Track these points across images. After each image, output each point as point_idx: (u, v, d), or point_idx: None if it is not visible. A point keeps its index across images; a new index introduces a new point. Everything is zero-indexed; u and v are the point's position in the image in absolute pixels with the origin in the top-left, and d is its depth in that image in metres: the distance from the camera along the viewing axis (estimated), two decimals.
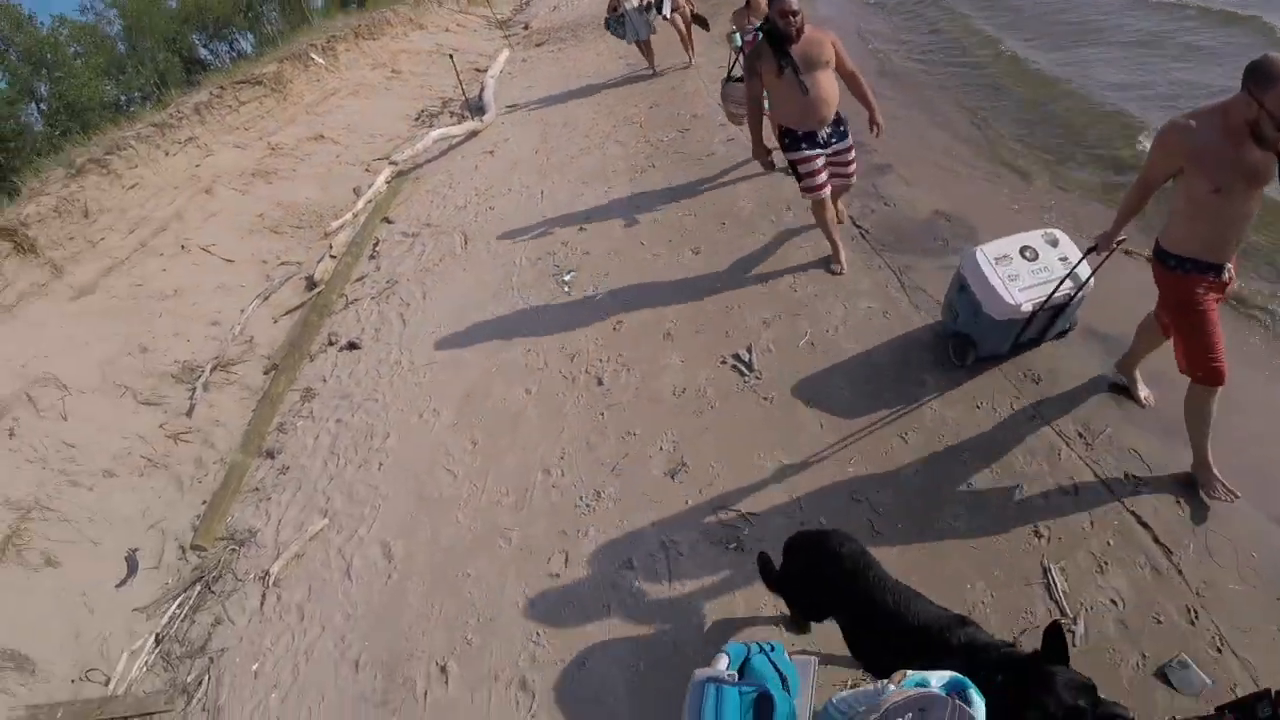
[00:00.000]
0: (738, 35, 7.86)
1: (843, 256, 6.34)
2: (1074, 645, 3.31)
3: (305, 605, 4.92)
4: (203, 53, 23.89)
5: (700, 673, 2.28)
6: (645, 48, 14.01)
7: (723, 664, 2.33)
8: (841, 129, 5.79)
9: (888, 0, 15.26)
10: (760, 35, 5.73)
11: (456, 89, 16.19)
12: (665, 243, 7.65)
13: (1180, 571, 3.56)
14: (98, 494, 6.04)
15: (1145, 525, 3.79)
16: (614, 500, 4.84)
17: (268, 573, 5.21)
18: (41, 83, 17.65)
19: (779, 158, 6.32)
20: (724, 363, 5.72)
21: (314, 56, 16.78)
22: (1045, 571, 3.68)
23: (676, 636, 3.87)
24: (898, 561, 3.76)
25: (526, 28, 25.13)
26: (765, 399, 5.26)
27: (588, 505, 4.87)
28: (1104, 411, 4.47)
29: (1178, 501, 3.87)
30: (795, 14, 5.31)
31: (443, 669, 4.16)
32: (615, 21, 13.80)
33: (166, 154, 11.18)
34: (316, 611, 4.84)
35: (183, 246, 9.56)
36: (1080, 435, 4.35)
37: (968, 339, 4.88)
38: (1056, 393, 4.69)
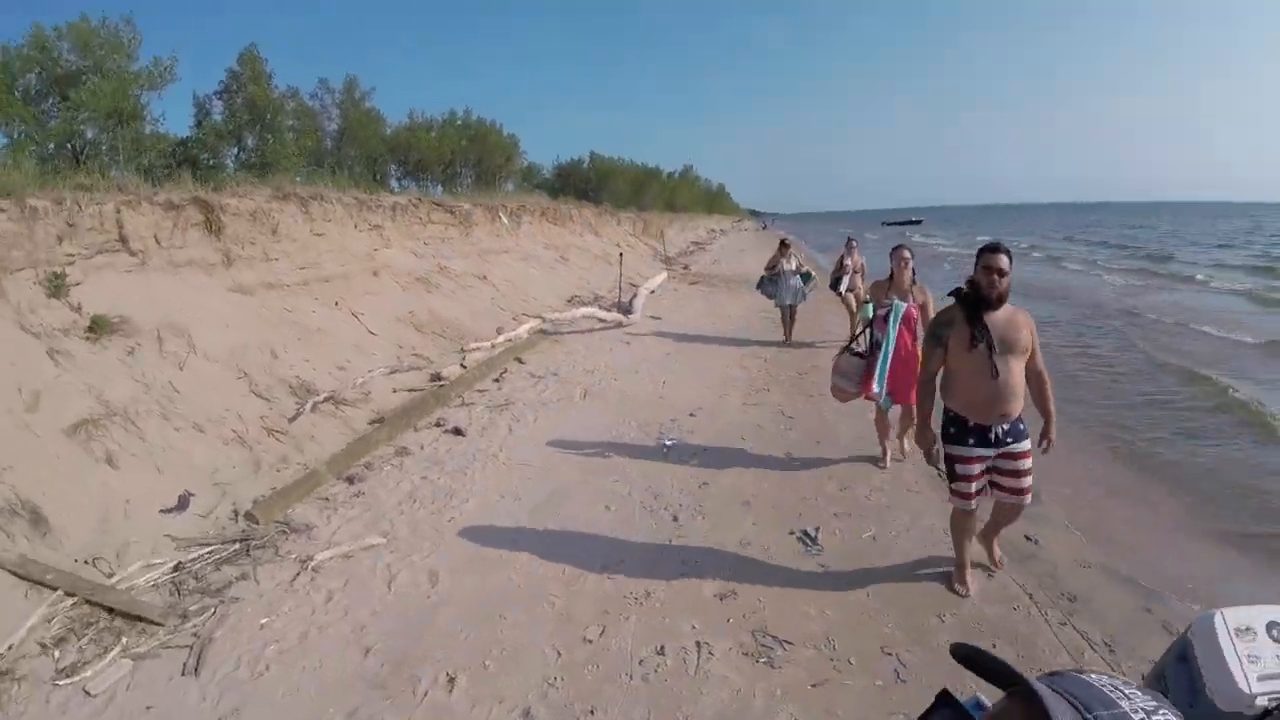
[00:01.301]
0: (871, 306, 7.14)
1: (968, 579, 4.97)
2: None
3: (337, 593, 4.82)
4: (393, 184, 24.81)
5: None
6: (788, 316, 13.73)
7: None
8: (1020, 426, 4.63)
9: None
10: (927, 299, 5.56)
11: (611, 290, 17.11)
12: (764, 442, 7.90)
13: None
14: (182, 435, 6.28)
15: None
16: (662, 601, 4.76)
17: (311, 557, 5.17)
18: (251, 135, 18.39)
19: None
20: (792, 534, 5.78)
21: (501, 216, 18.03)
22: None
23: (689, 716, 3.72)
24: (914, 705, 3.76)
25: (686, 268, 26.70)
26: (822, 565, 5.32)
27: (636, 599, 4.79)
28: (1130, 632, 4.60)
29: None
30: (1004, 274, 4.41)
31: (451, 679, 3.98)
32: (770, 280, 13.70)
33: (356, 227, 12.15)
34: (345, 601, 4.73)
35: (336, 303, 10.18)
36: (1106, 644, 4.45)
37: None
38: (1089, 612, 4.79)
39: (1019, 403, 4.54)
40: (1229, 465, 7.82)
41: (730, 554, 5.45)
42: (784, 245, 13.97)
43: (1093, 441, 8.48)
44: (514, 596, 4.84)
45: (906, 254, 7.05)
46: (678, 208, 65.59)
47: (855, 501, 6.38)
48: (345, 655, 4.21)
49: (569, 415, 8.79)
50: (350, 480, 6.61)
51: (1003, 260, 4.42)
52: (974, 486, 4.70)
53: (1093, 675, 0.83)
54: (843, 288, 13.03)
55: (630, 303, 16.18)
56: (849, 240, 13.87)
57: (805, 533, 5.78)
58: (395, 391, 8.91)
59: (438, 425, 8.20)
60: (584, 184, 44.91)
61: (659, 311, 16.72)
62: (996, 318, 4.47)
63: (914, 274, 7.04)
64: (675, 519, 6.03)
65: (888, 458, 7.16)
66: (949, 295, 4.76)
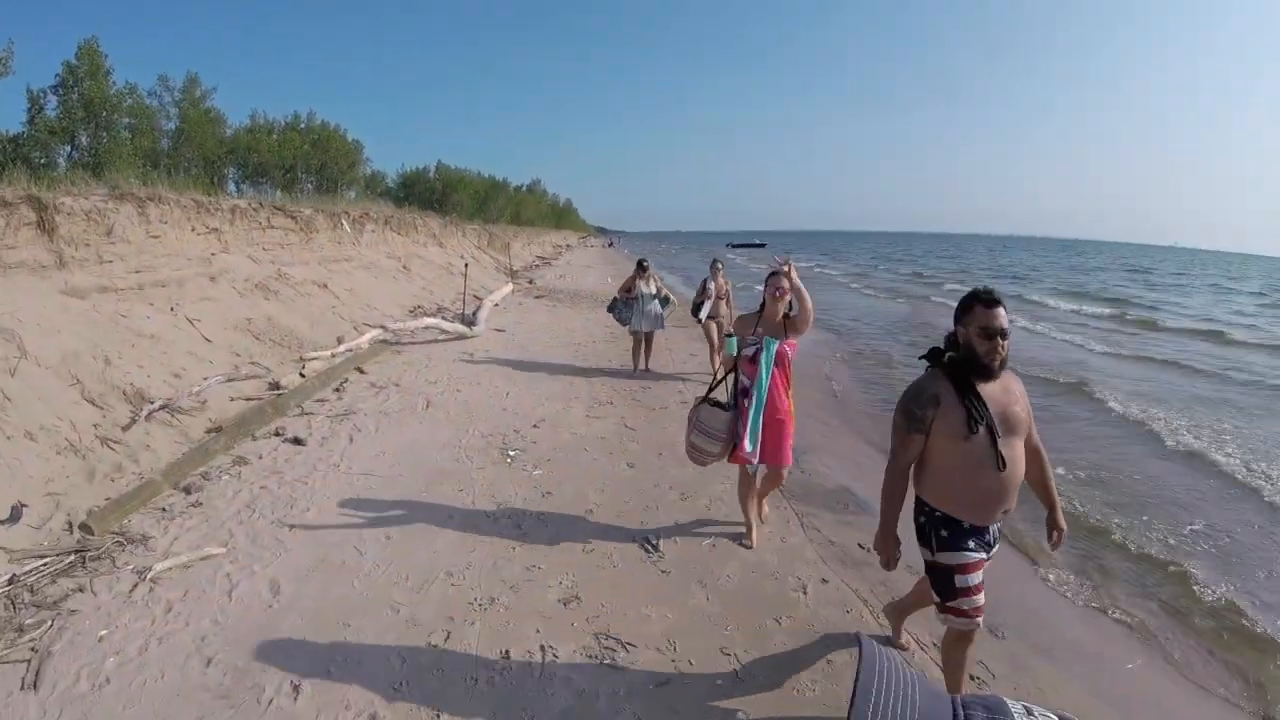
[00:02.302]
0: (735, 341, 5.69)
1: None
2: None
3: (176, 604, 4.69)
4: (231, 187, 23.52)
5: None
6: (642, 344, 12.56)
7: None
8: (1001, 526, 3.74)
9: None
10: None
11: (455, 301, 16.99)
12: (606, 454, 8.04)
13: None
14: (13, 444, 5.96)
15: None
16: (506, 608, 4.84)
17: (149, 568, 5.02)
18: (85, 133, 17.31)
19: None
20: (634, 541, 5.96)
21: (344, 223, 17.66)
22: None
23: (535, 717, 3.83)
24: (752, 703, 4.05)
25: (531, 282, 26.79)
26: (664, 571, 5.49)
27: (480, 606, 4.85)
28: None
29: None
30: (1006, 336, 3.40)
31: (295, 687, 3.96)
32: (624, 304, 12.39)
33: (193, 230, 11.69)
34: (185, 611, 4.61)
35: (172, 309, 9.80)
36: (935, 645, 4.70)
37: None
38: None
39: (1016, 494, 3.55)
40: None
41: (574, 560, 5.57)
42: (642, 267, 12.59)
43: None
44: (357, 604, 4.84)
45: (785, 284, 5.58)
46: (524, 221, 65.16)
47: (696, 510, 6.62)
48: (187, 666, 4.13)
49: (411, 425, 8.73)
50: (187, 490, 6.42)
51: (1003, 317, 3.40)
52: (982, 600, 3.61)
53: (1016, 703, 0.91)
54: (703, 314, 11.75)
55: (474, 314, 16.17)
56: (714, 262, 12.37)
57: (647, 540, 5.96)
58: (233, 400, 8.66)
59: (277, 435, 8.03)
60: (429, 194, 44.17)
61: (503, 324, 16.78)
62: (992, 390, 3.47)
63: (791, 306, 5.73)
64: (519, 527, 6.12)
65: (754, 534, 6.00)
66: (923, 358, 3.69)
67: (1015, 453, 3.47)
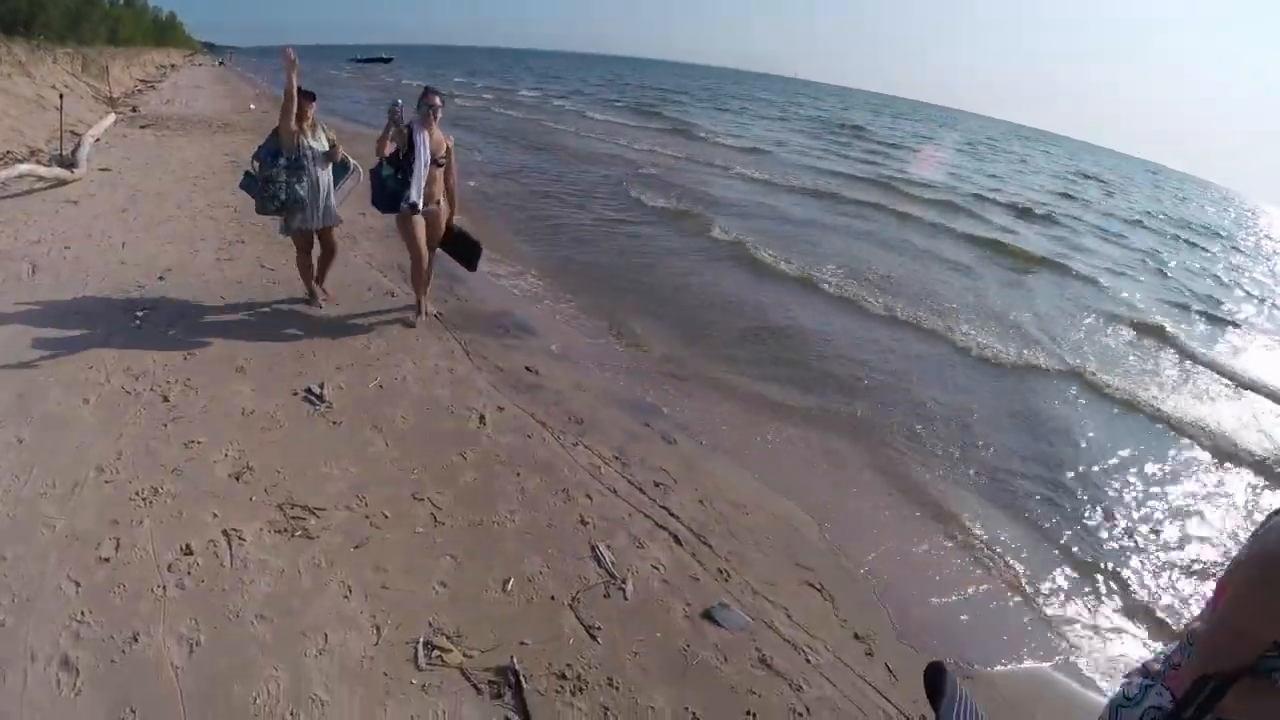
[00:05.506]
0: None
1: None
2: (625, 599, 3.69)
3: None
4: None
5: None
6: (313, 248, 7.16)
7: None
8: None
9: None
10: None
11: (50, 141, 14.29)
12: (247, 299, 7.34)
13: (709, 545, 4.14)
14: None
15: (675, 515, 4.39)
16: (173, 496, 4.30)
17: None
18: None
19: None
20: (296, 394, 5.54)
21: None
22: (593, 548, 4.06)
23: (240, 611, 3.51)
24: (457, 545, 3.99)
25: (135, 110, 23.25)
26: (334, 423, 5.19)
27: (144, 499, 4.26)
28: (635, 445, 5.27)
29: (700, 502, 4.59)
30: None
31: None
32: (274, 181, 6.54)
33: None
34: None
35: None
36: (617, 458, 5.02)
37: None
38: (596, 431, 5.26)
39: None
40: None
41: (235, 427, 5.05)
42: (305, 101, 6.56)
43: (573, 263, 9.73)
44: (5, 529, 4.03)
45: None
46: (122, 41, 54.59)
47: (354, 351, 6.25)
48: None
49: (18, 299, 7.15)
50: None
51: None
52: None
53: None
54: (412, 198, 6.37)
55: (74, 154, 13.34)
56: (425, 94, 6.45)
57: (310, 391, 5.54)
58: None
59: None
60: (12, 15, 35.38)
61: (109, 162, 14.06)
62: None
63: None
64: (166, 399, 5.38)
65: None
66: None
67: None
